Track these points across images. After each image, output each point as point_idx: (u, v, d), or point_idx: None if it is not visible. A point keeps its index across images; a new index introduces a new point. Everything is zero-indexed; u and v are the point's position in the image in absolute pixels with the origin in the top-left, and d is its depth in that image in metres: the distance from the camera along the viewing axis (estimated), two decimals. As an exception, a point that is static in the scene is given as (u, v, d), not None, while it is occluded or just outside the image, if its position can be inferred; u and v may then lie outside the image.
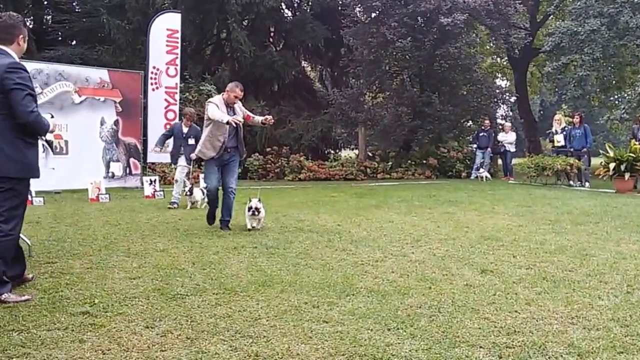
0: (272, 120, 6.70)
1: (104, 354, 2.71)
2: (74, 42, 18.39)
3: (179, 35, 12.88)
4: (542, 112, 45.78)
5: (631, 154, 11.33)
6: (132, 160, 11.83)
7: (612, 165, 11.38)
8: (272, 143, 16.71)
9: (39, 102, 4.25)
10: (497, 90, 18.26)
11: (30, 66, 9.01)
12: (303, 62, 22.11)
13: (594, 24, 16.16)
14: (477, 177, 15.22)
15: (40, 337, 2.89)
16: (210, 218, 6.70)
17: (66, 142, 10.78)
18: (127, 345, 2.80)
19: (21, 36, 3.75)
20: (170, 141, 9.29)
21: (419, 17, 16.33)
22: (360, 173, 16.10)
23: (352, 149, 21.45)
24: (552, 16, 22.46)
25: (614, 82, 19.88)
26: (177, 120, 11.71)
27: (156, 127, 11.96)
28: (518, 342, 2.88)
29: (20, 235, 3.89)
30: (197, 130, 8.79)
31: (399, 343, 2.86)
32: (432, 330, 3.04)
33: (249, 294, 3.73)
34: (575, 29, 16.48)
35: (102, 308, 3.37)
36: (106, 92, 11.44)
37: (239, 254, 5.06)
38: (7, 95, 3.49)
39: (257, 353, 2.72)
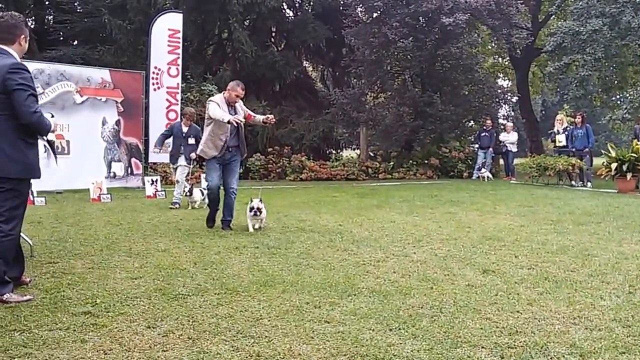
0: (274, 120, 6.67)
1: (106, 354, 2.71)
2: (75, 42, 18.41)
3: (180, 35, 12.88)
4: (543, 112, 45.75)
5: (633, 154, 11.31)
6: (133, 160, 11.85)
7: (614, 166, 11.36)
8: (273, 143, 16.71)
9: (40, 102, 4.25)
10: (499, 90, 18.28)
11: (32, 66, 9.04)
12: (304, 62, 22.12)
13: (596, 24, 16.14)
14: (478, 177, 15.20)
15: (42, 337, 2.89)
16: (210, 221, 6.59)
17: (68, 142, 10.80)
18: (128, 345, 2.80)
19: (23, 36, 3.75)
20: (170, 141, 9.24)
21: (420, 17, 16.32)
22: (362, 173, 16.10)
23: (354, 149, 21.45)
24: (553, 16, 22.44)
25: (615, 82, 19.84)
26: (177, 119, 11.71)
27: (157, 127, 11.91)
28: (520, 342, 2.88)
29: (22, 235, 3.88)
30: (197, 130, 8.77)
31: (401, 343, 2.86)
32: (433, 331, 3.04)
33: (250, 294, 3.72)
34: (577, 29, 16.46)
35: (104, 308, 3.37)
36: (108, 92, 11.46)
37: (241, 254, 5.06)
38: (9, 96, 3.49)
39: (258, 353, 2.72)
